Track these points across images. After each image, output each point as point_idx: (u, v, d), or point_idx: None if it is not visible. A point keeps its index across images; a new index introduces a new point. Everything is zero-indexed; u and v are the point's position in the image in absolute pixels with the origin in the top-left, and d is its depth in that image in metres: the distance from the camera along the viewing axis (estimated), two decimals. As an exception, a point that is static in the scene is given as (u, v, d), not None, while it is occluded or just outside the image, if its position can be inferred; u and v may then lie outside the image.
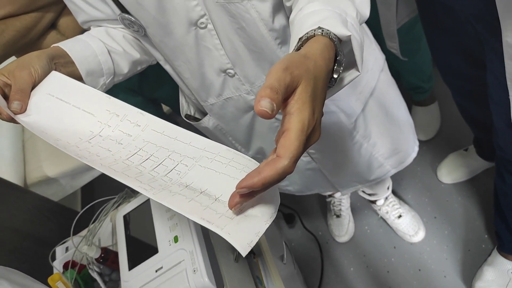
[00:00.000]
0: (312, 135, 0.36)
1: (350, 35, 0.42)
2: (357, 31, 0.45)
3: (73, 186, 1.55)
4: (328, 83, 0.42)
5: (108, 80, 0.66)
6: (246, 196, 0.36)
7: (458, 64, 0.95)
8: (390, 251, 1.39)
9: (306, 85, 0.35)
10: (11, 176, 1.39)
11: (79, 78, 0.60)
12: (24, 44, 0.89)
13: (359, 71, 0.45)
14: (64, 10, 0.93)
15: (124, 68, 0.69)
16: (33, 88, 0.52)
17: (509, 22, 0.61)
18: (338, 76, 0.43)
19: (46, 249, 0.95)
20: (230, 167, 0.41)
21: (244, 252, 0.35)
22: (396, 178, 1.50)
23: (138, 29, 0.62)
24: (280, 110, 0.35)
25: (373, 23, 0.89)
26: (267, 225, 0.37)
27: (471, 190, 1.40)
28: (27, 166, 1.50)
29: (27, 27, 0.87)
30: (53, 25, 0.96)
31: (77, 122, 0.49)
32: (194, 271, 0.71)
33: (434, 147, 1.53)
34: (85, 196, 1.77)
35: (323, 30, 0.41)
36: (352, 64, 0.45)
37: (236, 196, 0.36)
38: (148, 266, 0.76)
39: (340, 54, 0.42)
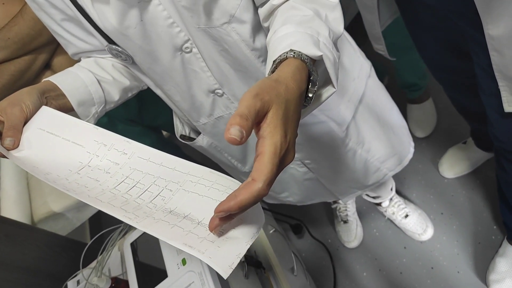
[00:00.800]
0: (286, 156, 0.38)
1: (321, 55, 0.44)
2: (330, 50, 0.46)
3: (79, 218, 1.56)
4: (304, 102, 0.44)
5: (100, 109, 0.68)
6: (225, 219, 0.37)
7: (445, 59, 0.97)
8: (401, 252, 1.39)
9: (277, 109, 0.37)
10: (18, 215, 1.40)
11: (70, 109, 0.62)
12: (20, 87, 0.92)
13: (335, 88, 0.46)
14: (57, 50, 0.96)
15: (115, 95, 0.70)
16: (25, 123, 0.54)
17: (488, 15, 0.63)
18: (313, 94, 0.44)
19: (58, 284, 0.96)
20: (213, 190, 0.42)
21: (225, 275, 0.36)
22: (399, 178, 1.50)
23: (126, 58, 0.64)
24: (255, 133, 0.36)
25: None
26: (248, 246, 0.38)
27: (475, 182, 1.40)
28: (33, 203, 1.51)
29: (21, 70, 0.90)
30: (47, 65, 0.98)
31: (67, 154, 0.51)
32: (205, 291, 0.72)
33: (433, 143, 1.54)
34: (93, 227, 1.78)
35: (295, 53, 0.43)
36: (328, 80, 0.47)
37: (215, 219, 0.37)
38: (159, 291, 0.77)
39: (313, 74, 0.44)
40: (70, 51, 0.70)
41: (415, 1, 0.83)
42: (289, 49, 0.43)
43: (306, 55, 0.43)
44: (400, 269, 1.36)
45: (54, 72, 0.99)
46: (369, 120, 0.89)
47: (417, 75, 1.47)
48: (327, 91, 0.48)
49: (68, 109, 0.62)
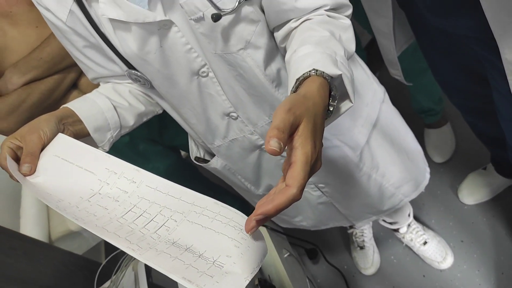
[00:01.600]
0: (315, 164, 0.41)
1: (341, 74, 0.47)
2: (346, 68, 0.50)
3: (95, 238, 1.57)
4: (325, 116, 0.47)
5: (115, 134, 0.70)
6: (262, 221, 0.40)
7: (462, 84, 0.96)
8: (420, 280, 1.34)
9: (308, 122, 0.40)
10: (37, 233, 1.42)
11: (87, 134, 0.65)
12: (49, 105, 0.95)
13: (352, 102, 0.50)
14: None
15: (130, 121, 0.73)
16: (42, 149, 0.56)
17: (505, 40, 0.63)
18: (334, 108, 0.48)
19: (72, 303, 0.96)
20: (216, 221, 0.44)
21: None
22: (418, 204, 1.47)
23: (144, 83, 0.67)
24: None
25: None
26: (247, 282, 0.39)
27: (496, 209, 1.36)
28: (51, 221, 1.54)
29: (50, 89, 0.93)
30: (74, 85, 1.02)
31: (80, 180, 0.52)
32: (217, 314, 0.71)
33: (452, 169, 1.51)
34: (108, 247, 1.79)
35: (317, 71, 0.46)
36: (345, 94, 0.50)
37: (252, 221, 0.40)
38: (171, 313, 0.76)
39: (333, 89, 0.47)
40: (90, 76, 0.73)
41: (431, 26, 0.84)
42: (311, 68, 0.47)
43: (327, 74, 0.46)
44: (419, 298, 1.31)
45: (81, 91, 1.03)
46: (383, 145, 0.89)
47: (432, 99, 1.46)
48: (344, 105, 0.51)
49: (84, 135, 0.64)
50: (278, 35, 0.61)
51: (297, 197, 0.38)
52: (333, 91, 0.47)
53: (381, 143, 0.88)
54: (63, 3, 0.59)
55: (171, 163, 1.26)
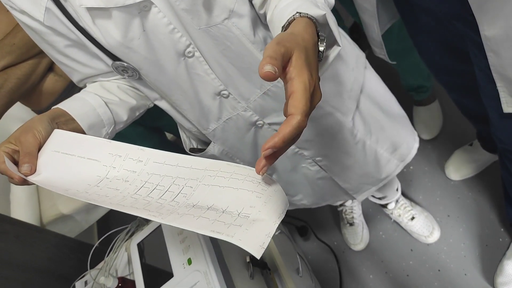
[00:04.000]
0: (314, 94, 0.41)
1: (325, 14, 0.48)
2: (329, 12, 0.50)
3: (88, 221, 1.58)
4: (317, 57, 0.47)
5: (110, 130, 0.70)
6: (271, 158, 0.40)
7: (446, 62, 0.97)
8: (408, 254, 1.38)
9: (300, 53, 0.40)
10: (28, 217, 1.42)
11: (81, 133, 0.63)
12: (26, 90, 0.95)
13: (339, 45, 0.50)
14: None
15: (123, 116, 0.72)
16: (39, 149, 0.55)
17: (483, 16, 0.63)
18: (324, 49, 0.47)
19: (67, 284, 0.98)
20: (232, 180, 0.43)
21: (258, 255, 0.36)
22: (405, 180, 1.50)
23: (132, 73, 0.65)
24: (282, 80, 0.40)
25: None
26: (276, 225, 0.39)
27: (481, 184, 1.40)
28: (42, 205, 1.54)
29: (26, 73, 0.93)
30: (50, 68, 1.01)
31: (84, 170, 0.52)
32: (210, 291, 0.72)
33: (439, 145, 1.53)
34: (101, 229, 1.80)
35: (300, 14, 0.47)
36: (332, 44, 0.51)
37: (261, 160, 0.40)
38: (165, 291, 0.77)
39: (320, 30, 0.47)
40: (75, 78, 0.72)
41: (414, 4, 0.84)
42: (295, 12, 0.47)
43: (311, 15, 0.46)
44: (406, 271, 1.35)
45: (57, 73, 1.02)
46: (372, 110, 0.90)
47: (421, 76, 1.47)
48: (333, 51, 0.52)
49: (79, 133, 0.63)
50: (256, 1, 0.60)
51: (303, 123, 0.37)
52: (320, 31, 0.47)
53: (370, 108, 0.89)
54: (37, 1, 0.58)
55: (154, 144, 1.26)
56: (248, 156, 0.87)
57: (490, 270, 1.23)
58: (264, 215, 0.40)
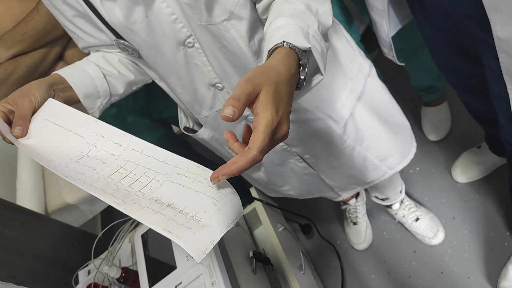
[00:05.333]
0: (279, 128, 0.44)
1: (310, 47, 0.50)
2: (318, 41, 0.53)
3: (92, 211, 1.59)
4: (298, 85, 0.51)
5: (105, 101, 0.71)
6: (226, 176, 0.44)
7: (457, 63, 0.96)
8: (411, 255, 1.37)
9: (268, 90, 0.43)
10: (33, 205, 1.43)
11: (77, 101, 0.65)
12: (36, 78, 0.95)
13: (323, 75, 0.53)
14: (69, 42, 0.99)
15: (120, 89, 0.74)
16: (33, 114, 0.57)
17: (496, 16, 0.63)
18: (305, 77, 0.50)
19: (70, 274, 0.98)
20: (196, 182, 0.47)
21: (198, 259, 0.40)
22: (411, 181, 1.49)
23: (132, 52, 0.67)
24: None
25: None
26: (222, 234, 0.43)
27: (488, 187, 1.38)
28: (47, 194, 1.54)
29: (36, 62, 0.93)
30: (60, 57, 1.02)
31: (69, 143, 0.55)
32: (213, 284, 0.72)
33: (446, 147, 1.52)
34: (104, 220, 1.81)
35: (286, 43, 0.49)
36: (318, 69, 0.53)
37: (217, 176, 0.44)
38: (167, 282, 0.78)
39: (302, 58, 0.50)
40: (80, 45, 0.73)
41: (427, 4, 0.83)
42: (281, 40, 0.49)
43: (295, 46, 0.49)
44: (409, 272, 1.35)
45: (67, 63, 1.02)
46: (368, 119, 0.91)
47: (431, 76, 1.45)
48: (316, 78, 0.54)
49: (74, 101, 0.65)
50: (259, 6, 0.62)
51: (257, 158, 0.41)
52: (302, 60, 0.49)
53: (366, 116, 0.90)
54: None
55: (159, 137, 1.27)
56: None
57: (494, 274, 1.22)
58: (214, 222, 0.43)
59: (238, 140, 0.46)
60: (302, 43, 0.49)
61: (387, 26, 0.89)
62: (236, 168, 0.41)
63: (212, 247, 0.41)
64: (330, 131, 0.85)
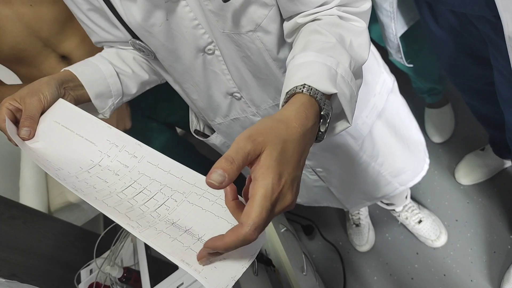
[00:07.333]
0: (280, 199, 0.36)
1: (336, 93, 0.43)
2: (347, 84, 0.45)
3: (94, 210, 1.58)
4: (317, 137, 0.44)
5: (117, 101, 0.68)
6: (214, 254, 0.37)
7: (464, 65, 0.95)
8: (413, 257, 1.37)
9: (272, 150, 0.36)
10: (36, 203, 1.43)
11: (88, 100, 0.63)
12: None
13: (349, 123, 0.46)
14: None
15: (133, 89, 0.71)
16: (42, 113, 0.54)
17: (509, 17, 0.62)
18: (326, 130, 0.43)
19: (72, 273, 0.98)
20: (216, 205, 0.42)
21: None
22: (414, 183, 1.48)
23: (148, 54, 0.64)
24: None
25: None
26: (244, 269, 0.38)
27: (492, 190, 1.38)
28: (50, 193, 1.55)
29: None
30: (64, 56, 0.98)
31: (79, 150, 0.51)
32: (214, 285, 0.72)
33: (450, 149, 1.51)
34: (107, 219, 1.80)
35: (305, 87, 0.42)
36: (343, 113, 0.46)
37: (204, 252, 0.37)
38: (169, 283, 0.78)
39: (323, 108, 0.42)
40: (93, 39, 0.70)
41: (436, 5, 0.82)
42: (302, 82, 0.42)
43: (318, 90, 0.42)
44: (411, 274, 1.34)
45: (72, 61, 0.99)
46: (386, 135, 0.89)
47: (432, 79, 1.45)
48: (341, 125, 0.47)
49: (85, 100, 0.63)
50: (286, 27, 0.57)
51: (250, 237, 0.34)
52: (323, 110, 0.42)
53: (384, 133, 0.88)
54: None
55: (166, 140, 1.27)
56: None
57: (497, 277, 1.22)
58: (236, 255, 0.38)
59: (237, 198, 0.39)
60: (326, 87, 0.42)
61: (395, 27, 0.89)
62: (223, 245, 0.34)
63: (233, 284, 0.37)
64: (347, 147, 0.83)
